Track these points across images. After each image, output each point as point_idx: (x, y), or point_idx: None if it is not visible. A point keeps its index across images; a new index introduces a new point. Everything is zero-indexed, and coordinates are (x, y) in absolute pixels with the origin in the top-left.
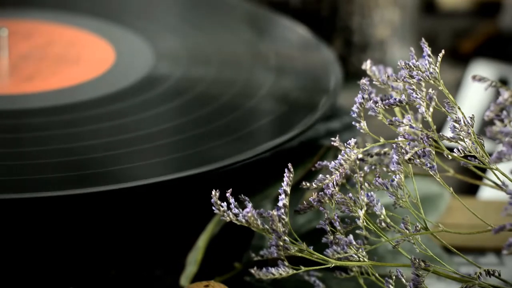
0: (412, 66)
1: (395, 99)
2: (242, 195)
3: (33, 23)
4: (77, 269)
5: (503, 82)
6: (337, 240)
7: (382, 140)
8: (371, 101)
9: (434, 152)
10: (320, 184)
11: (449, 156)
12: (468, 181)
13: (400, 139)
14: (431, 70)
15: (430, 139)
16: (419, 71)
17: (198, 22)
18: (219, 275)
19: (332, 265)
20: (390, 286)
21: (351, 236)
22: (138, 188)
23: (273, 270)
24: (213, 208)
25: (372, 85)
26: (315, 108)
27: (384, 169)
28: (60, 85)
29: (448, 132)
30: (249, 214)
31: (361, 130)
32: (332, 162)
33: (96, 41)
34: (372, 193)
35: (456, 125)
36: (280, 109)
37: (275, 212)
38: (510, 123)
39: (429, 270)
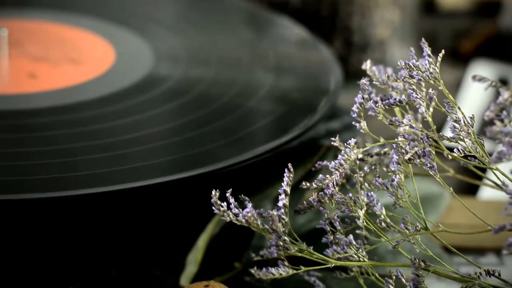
0: (412, 66)
1: (395, 99)
2: (242, 195)
3: (33, 23)
4: (77, 269)
5: (503, 82)
6: (337, 240)
7: (382, 140)
8: (371, 101)
9: (434, 152)
10: (320, 184)
11: (449, 156)
12: (468, 181)
13: (400, 139)
14: (431, 70)
15: (430, 139)
16: (419, 71)
17: (198, 22)
18: (219, 275)
19: (332, 265)
20: (390, 286)
21: (351, 236)
22: (138, 189)
23: (273, 270)
24: (213, 208)
25: (372, 85)
26: (315, 109)
27: (384, 169)
28: (60, 85)
29: (448, 132)
30: (249, 214)
31: (361, 130)
32: (332, 162)
33: (96, 41)
34: (372, 193)
35: (456, 125)
36: (280, 110)
37: (275, 212)
38: (510, 123)
39: (429, 270)
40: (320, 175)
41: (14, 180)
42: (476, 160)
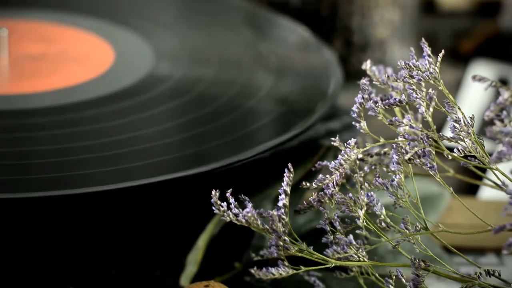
0: (412, 66)
1: (395, 99)
2: (242, 195)
3: (33, 23)
4: (77, 269)
5: (503, 82)
6: (337, 240)
7: (382, 140)
8: (371, 101)
9: (434, 152)
10: (320, 184)
11: (449, 156)
12: (468, 181)
13: (400, 139)
14: (431, 70)
15: (430, 139)
16: (419, 71)
17: (198, 22)
18: (219, 275)
19: (332, 265)
20: (390, 286)
21: (351, 236)
22: (138, 188)
23: (273, 270)
24: (213, 208)
25: (372, 85)
26: (314, 109)
27: (384, 169)
28: (60, 85)
29: (448, 132)
30: (249, 214)
31: (361, 130)
32: (332, 162)
33: (96, 41)
34: (372, 193)
35: (456, 125)
36: (279, 110)
37: (275, 212)
38: (510, 123)
39: (429, 270)
40: (320, 175)
41: (14, 179)
42: (476, 160)
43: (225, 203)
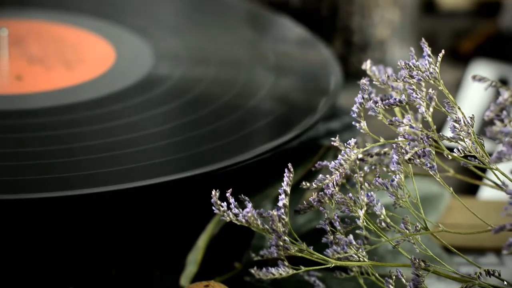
0: (412, 66)
1: (395, 99)
2: (242, 195)
3: (33, 23)
4: (77, 269)
5: (503, 82)
6: (337, 240)
7: (382, 140)
8: (371, 101)
9: (434, 152)
10: (320, 184)
11: (449, 156)
12: (468, 181)
13: (400, 139)
14: (431, 70)
15: (430, 139)
16: (419, 71)
17: (198, 22)
18: (219, 275)
19: (332, 265)
20: (390, 286)
21: (351, 236)
22: (138, 189)
23: (273, 270)
24: (213, 208)
25: (372, 85)
26: (315, 109)
27: (384, 169)
28: (60, 85)
29: (448, 132)
30: (249, 214)
31: (361, 130)
32: (332, 162)
33: (96, 41)
34: (372, 193)
35: (456, 125)
36: (280, 110)
37: (275, 212)
38: (510, 123)
39: (429, 270)
40: (320, 175)
41: (14, 180)
42: (476, 160)
43: (225, 203)
